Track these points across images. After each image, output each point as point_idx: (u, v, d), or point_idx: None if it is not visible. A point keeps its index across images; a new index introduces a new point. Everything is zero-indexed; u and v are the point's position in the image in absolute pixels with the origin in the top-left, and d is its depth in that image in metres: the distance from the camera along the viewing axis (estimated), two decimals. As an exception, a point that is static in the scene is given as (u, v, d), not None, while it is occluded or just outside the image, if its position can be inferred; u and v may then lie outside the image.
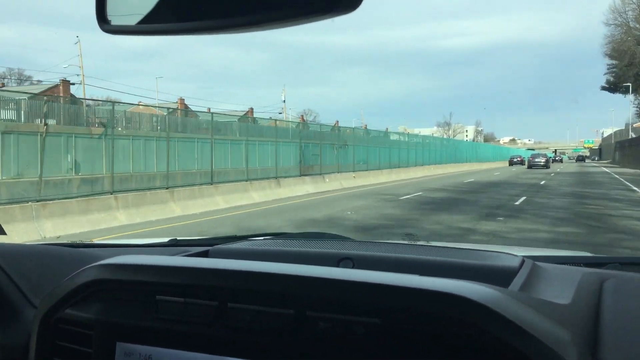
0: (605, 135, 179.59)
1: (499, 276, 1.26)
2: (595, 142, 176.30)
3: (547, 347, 0.85)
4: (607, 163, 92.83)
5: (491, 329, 0.86)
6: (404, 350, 0.91)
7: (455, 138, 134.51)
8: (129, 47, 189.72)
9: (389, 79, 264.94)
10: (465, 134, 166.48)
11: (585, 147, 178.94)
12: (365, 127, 49.77)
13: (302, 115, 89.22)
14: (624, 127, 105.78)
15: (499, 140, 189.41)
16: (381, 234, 11.70)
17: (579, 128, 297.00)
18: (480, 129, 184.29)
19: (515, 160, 77.47)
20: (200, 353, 1.02)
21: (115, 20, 0.86)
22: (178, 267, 1.09)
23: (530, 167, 58.67)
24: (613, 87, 79.99)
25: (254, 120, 30.53)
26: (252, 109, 62.34)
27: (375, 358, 0.92)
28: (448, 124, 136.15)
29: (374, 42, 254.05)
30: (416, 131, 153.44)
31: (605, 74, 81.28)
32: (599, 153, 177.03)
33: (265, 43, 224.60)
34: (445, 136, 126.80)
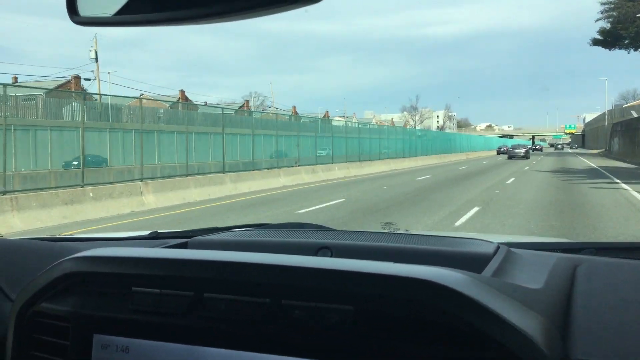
0: (588, 119, 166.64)
1: (473, 262, 1.26)
2: (578, 127, 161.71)
3: (517, 330, 0.87)
4: (599, 154, 70.45)
5: (462, 314, 0.88)
6: (377, 337, 0.92)
7: (423, 124, 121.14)
8: (110, 36, 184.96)
9: (372, 67, 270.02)
10: (436, 119, 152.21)
11: (566, 133, 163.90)
12: (335, 117, 48.59)
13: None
14: (612, 108, 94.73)
15: (475, 127, 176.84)
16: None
17: (559, 114, 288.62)
18: (452, 114, 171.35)
19: (502, 150, 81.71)
20: (176, 343, 1.02)
21: (85, 11, 0.87)
22: (153, 259, 1.09)
23: (510, 157, 58.49)
24: (610, 39, 48.16)
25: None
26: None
27: (349, 344, 0.93)
28: (415, 109, 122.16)
29: (356, 30, 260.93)
30: (382, 117, 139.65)
31: (597, 20, 49.06)
32: (581, 140, 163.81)
33: (247, 31, 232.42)
34: (411, 122, 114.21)
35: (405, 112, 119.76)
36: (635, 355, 0.91)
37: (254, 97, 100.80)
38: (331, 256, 1.42)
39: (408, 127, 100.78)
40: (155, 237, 1.92)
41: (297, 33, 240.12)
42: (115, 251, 1.16)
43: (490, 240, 1.50)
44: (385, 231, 2.10)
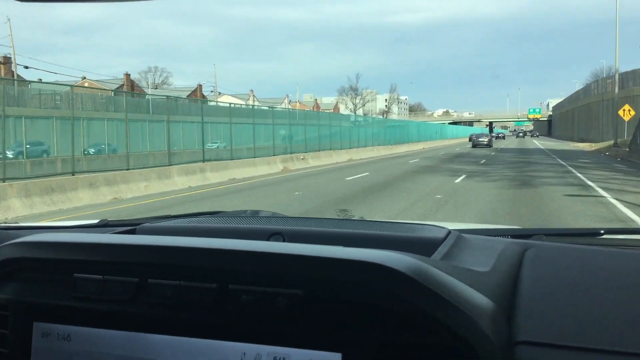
0: (553, 105, 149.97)
1: (423, 246, 1.27)
2: (544, 114, 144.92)
3: (463, 312, 0.88)
4: (606, 153, 41.85)
5: (409, 297, 0.88)
6: (326, 320, 0.92)
7: (366, 108, 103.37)
8: (65, 19, 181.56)
9: (339, 54, 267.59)
10: (385, 102, 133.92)
11: (529, 119, 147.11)
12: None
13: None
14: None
15: (432, 114, 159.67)
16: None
17: (520, 101, 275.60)
18: (404, 98, 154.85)
19: (473, 137, 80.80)
20: (120, 331, 1.01)
21: None
22: (96, 244, 1.07)
23: (474, 146, 58.90)
24: None
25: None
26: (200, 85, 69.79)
27: (298, 329, 0.93)
28: (355, 90, 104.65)
29: (324, 17, 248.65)
30: (324, 101, 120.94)
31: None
32: (547, 128, 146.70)
33: (211, 17, 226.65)
34: (350, 106, 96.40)
35: (342, 95, 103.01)
36: (577, 335, 0.92)
37: (152, 73, 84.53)
38: (283, 242, 1.40)
39: (347, 112, 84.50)
40: (104, 226, 1.88)
41: (263, 19, 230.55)
42: (56, 236, 1.13)
43: (443, 226, 1.50)
44: (340, 218, 2.06)
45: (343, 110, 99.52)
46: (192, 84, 71.15)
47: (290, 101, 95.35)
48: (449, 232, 1.39)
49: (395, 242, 1.31)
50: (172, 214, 2.10)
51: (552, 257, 1.26)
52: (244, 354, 0.95)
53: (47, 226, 2.03)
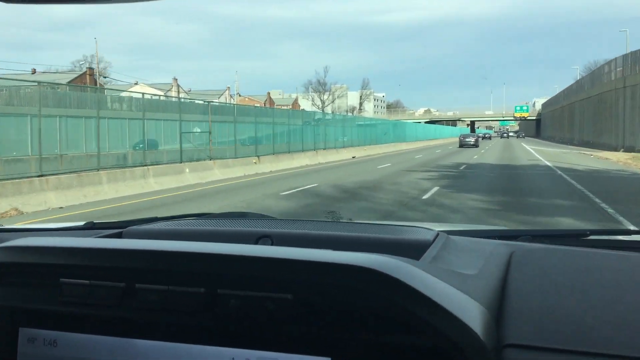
0: (539, 105, 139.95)
1: (412, 249, 1.26)
2: (532, 112, 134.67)
3: (452, 315, 0.88)
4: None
5: (399, 300, 0.89)
6: (316, 324, 0.92)
7: (335, 105, 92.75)
8: (53, 16, 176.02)
9: (328, 53, 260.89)
10: (358, 99, 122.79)
11: (515, 118, 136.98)
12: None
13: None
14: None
15: (413, 112, 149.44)
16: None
17: (505, 100, 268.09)
18: (381, 95, 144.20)
19: (461, 138, 77.24)
20: (107, 336, 1.01)
21: None
22: (82, 248, 1.06)
23: (461, 146, 58.51)
24: None
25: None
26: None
27: (287, 333, 0.93)
28: (323, 85, 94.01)
29: (312, 16, 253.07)
30: (294, 97, 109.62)
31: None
32: (535, 128, 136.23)
33: (200, 15, 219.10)
34: (317, 102, 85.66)
35: (308, 90, 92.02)
36: (565, 336, 0.93)
37: (83, 63, 73.18)
38: (272, 244, 1.39)
39: (313, 109, 73.89)
40: (90, 228, 1.85)
41: (253, 17, 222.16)
42: (41, 241, 1.12)
43: (430, 228, 1.50)
44: (329, 220, 1.96)
45: (309, 107, 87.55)
46: (169, 80, 68.73)
47: (232, 95, 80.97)
48: (437, 234, 1.39)
49: (384, 245, 1.31)
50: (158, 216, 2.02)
51: (540, 259, 1.28)
52: (233, 359, 0.95)
53: (33, 228, 1.98)
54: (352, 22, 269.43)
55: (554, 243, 1.55)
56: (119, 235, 1.53)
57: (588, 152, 42.04)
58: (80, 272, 1.02)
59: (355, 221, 1.97)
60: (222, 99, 72.59)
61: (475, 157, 37.57)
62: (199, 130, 23.98)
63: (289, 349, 0.93)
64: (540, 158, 34.73)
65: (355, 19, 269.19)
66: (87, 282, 1.01)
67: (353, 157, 38.17)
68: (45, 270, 1.05)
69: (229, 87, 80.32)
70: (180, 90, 75.36)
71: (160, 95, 39.92)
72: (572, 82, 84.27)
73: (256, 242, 1.41)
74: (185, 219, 1.81)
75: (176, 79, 78.10)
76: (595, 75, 63.59)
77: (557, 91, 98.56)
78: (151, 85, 72.43)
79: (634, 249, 1.50)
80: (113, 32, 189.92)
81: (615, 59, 52.65)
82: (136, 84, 72.65)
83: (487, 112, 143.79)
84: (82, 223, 1.94)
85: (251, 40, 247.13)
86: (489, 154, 42.80)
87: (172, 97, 42.59)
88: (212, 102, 28.20)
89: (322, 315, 0.92)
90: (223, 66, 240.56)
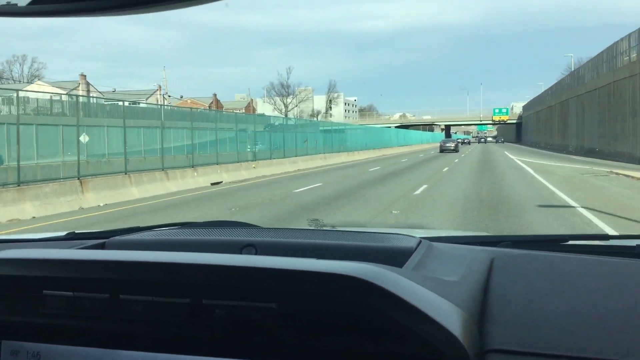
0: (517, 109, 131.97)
1: (395, 257, 1.27)
2: (512, 114, 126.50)
3: (434, 321, 0.89)
4: None
5: (382, 308, 0.90)
6: (300, 332, 0.93)
7: (299, 108, 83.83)
8: (26, 25, 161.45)
9: (308, 59, 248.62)
10: (327, 103, 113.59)
11: (494, 122, 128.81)
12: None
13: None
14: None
15: (389, 117, 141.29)
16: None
17: (483, 103, 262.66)
18: (353, 99, 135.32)
19: (441, 143, 72.62)
20: (91, 347, 1.00)
21: None
22: (65, 260, 1.06)
23: (441, 151, 58.93)
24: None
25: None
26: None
27: (272, 342, 0.93)
28: (286, 88, 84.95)
29: (292, 23, 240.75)
30: (260, 104, 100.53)
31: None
32: (515, 132, 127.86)
33: (178, 22, 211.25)
34: (279, 107, 76.61)
35: (269, 95, 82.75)
36: (546, 341, 0.94)
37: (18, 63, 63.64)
38: (256, 254, 1.39)
39: (275, 113, 65.00)
40: (72, 238, 1.84)
41: (230, 25, 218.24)
42: (24, 253, 1.10)
43: (413, 235, 1.52)
44: (312, 228, 1.99)
45: (270, 111, 77.43)
46: (152, 87, 63.98)
47: (164, 96, 67.44)
48: (420, 241, 1.40)
49: (367, 253, 1.32)
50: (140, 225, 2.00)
51: (520, 265, 1.29)
52: None
53: (15, 239, 1.95)
54: (329, 29, 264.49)
55: (534, 249, 1.56)
56: (102, 246, 1.52)
57: (605, 169, 24.84)
58: (64, 283, 1.01)
59: (339, 229, 1.95)
60: (152, 100, 63.40)
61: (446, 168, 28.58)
62: (87, 138, 17.74)
63: (274, 358, 0.93)
64: (534, 176, 21.55)
65: (332, 26, 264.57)
66: (70, 293, 1.00)
67: (303, 169, 30.43)
68: (28, 283, 1.04)
69: (160, 86, 68.68)
70: (92, 89, 64.29)
71: (61, 94, 33.00)
72: (553, 83, 72.66)
73: (240, 252, 1.40)
74: (168, 227, 1.79)
75: (84, 76, 65.56)
76: (601, 60, 44.18)
77: (542, 89, 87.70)
78: (54, 84, 62.34)
79: (612, 254, 1.51)
80: (81, 39, 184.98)
81: (629, 36, 35.87)
82: (30, 82, 64.54)
83: (463, 115, 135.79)
84: (63, 233, 1.91)
85: (230, 48, 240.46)
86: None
87: (78, 95, 32.81)
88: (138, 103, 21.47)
89: (307, 323, 0.92)
90: (204, 73, 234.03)
